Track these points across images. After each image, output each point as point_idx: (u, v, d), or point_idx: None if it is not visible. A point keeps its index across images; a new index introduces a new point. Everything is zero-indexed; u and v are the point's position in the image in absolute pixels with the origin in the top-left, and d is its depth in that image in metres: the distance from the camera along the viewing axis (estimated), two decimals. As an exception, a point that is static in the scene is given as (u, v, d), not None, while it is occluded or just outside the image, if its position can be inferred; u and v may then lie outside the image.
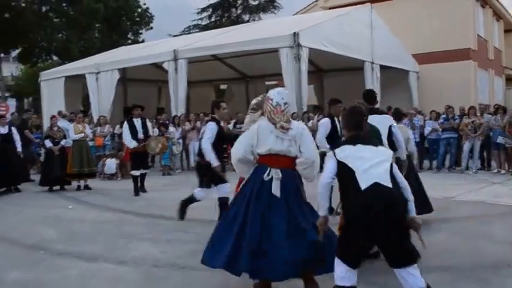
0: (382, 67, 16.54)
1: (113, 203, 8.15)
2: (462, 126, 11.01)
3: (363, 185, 3.04)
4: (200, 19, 40.73)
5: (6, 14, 22.77)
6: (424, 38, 18.24)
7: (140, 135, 8.67)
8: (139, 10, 30.62)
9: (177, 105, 14.85)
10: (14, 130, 9.47)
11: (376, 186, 3.04)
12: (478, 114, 11.29)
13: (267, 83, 20.86)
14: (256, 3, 41.77)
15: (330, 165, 3.22)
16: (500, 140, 10.62)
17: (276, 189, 3.58)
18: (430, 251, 4.75)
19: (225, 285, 4.01)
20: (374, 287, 3.90)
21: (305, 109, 13.31)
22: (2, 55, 25.63)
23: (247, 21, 37.79)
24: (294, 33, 12.73)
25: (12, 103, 21.88)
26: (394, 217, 3.02)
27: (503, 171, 10.72)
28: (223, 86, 23.63)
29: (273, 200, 3.56)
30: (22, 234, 6.11)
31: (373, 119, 5.53)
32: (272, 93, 3.86)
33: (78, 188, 9.64)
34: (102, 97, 16.66)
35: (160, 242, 5.51)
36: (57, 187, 9.68)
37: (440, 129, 11.39)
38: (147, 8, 31.37)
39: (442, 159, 11.40)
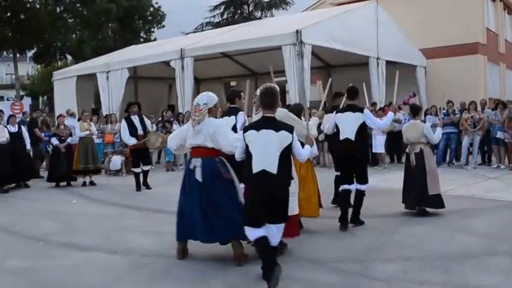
0: (389, 62, 16.62)
1: (114, 198, 8.50)
2: (462, 121, 11.06)
3: (254, 169, 3.83)
4: (213, 16, 41.04)
5: (22, 15, 23.42)
6: (431, 32, 18.17)
7: (140, 131, 8.96)
8: (152, 9, 31.10)
9: (184, 103, 15.19)
10: (23, 128, 9.90)
11: (263, 172, 3.80)
12: (479, 109, 11.32)
13: (276, 79, 21.12)
14: (267, 0, 41.90)
15: (240, 146, 4.09)
16: (499, 135, 10.65)
17: (198, 175, 4.47)
18: (407, 241, 5.11)
19: (204, 271, 4.30)
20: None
21: (308, 105, 13.47)
22: (18, 55, 26.33)
23: (259, 18, 37.98)
24: (297, 30, 12.89)
25: (27, 102, 22.54)
26: (275, 201, 3.85)
27: (502, 166, 10.76)
28: (233, 83, 23.95)
29: (195, 184, 4.49)
30: (25, 227, 6.48)
31: (348, 115, 5.89)
32: (198, 95, 4.69)
33: (84, 184, 10.01)
34: (112, 95, 17.06)
35: (153, 234, 5.80)
36: (64, 183, 10.07)
37: (441, 125, 11.42)
38: (159, 7, 31.80)
39: (442, 154, 11.47)
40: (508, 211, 6.48)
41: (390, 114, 6.44)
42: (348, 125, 5.89)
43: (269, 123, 3.93)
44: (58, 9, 25.95)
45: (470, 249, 4.78)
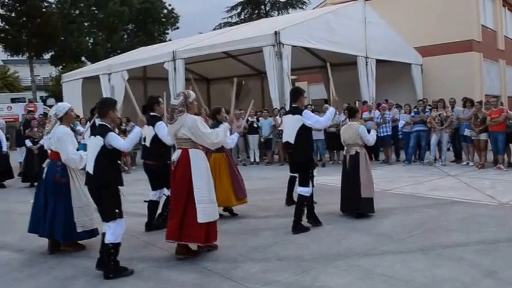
0: (381, 61, 16.66)
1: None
2: (430, 119, 11.11)
3: (86, 169, 4.51)
4: (230, 17, 41.61)
5: (38, 19, 24.64)
6: (426, 31, 18.09)
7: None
8: (165, 11, 31.95)
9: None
10: (-1, 131, 10.60)
11: (86, 174, 4.49)
12: (449, 106, 11.34)
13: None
14: (284, 0, 42.12)
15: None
16: (467, 132, 10.65)
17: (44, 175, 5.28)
18: (299, 241, 5.24)
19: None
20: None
21: (287, 105, 13.75)
22: (34, 58, 27.65)
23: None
24: (275, 32, 13.21)
25: (40, 103, 23.73)
26: (94, 194, 4.56)
27: (471, 163, 10.74)
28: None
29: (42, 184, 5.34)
30: None
31: (288, 118, 5.94)
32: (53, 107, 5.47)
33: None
34: (114, 96, 17.80)
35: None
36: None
37: (411, 123, 11.54)
38: (173, 9, 32.65)
39: (412, 152, 11.54)
40: (430, 210, 6.47)
41: (331, 109, 6.12)
42: (288, 128, 5.89)
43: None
44: (73, 13, 27.06)
45: (352, 250, 4.84)
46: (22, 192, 9.93)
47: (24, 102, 25.54)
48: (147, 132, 5.95)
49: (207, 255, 4.93)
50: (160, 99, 6.09)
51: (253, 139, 13.55)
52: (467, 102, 10.96)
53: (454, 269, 4.18)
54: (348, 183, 6.40)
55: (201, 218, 4.68)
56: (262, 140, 13.37)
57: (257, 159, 13.52)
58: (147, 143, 6.01)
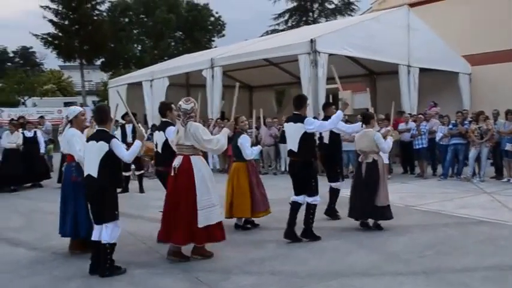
0: (425, 70, 16.02)
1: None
2: (469, 132, 10.50)
3: (85, 171, 4.68)
4: (277, 24, 41.60)
5: (89, 26, 25.87)
6: (475, 38, 17.20)
7: (129, 139, 9.70)
8: (212, 19, 32.51)
9: (213, 110, 15.92)
10: (38, 133, 11.09)
11: (88, 176, 4.60)
12: (491, 119, 10.68)
13: (326, 86, 21.18)
14: (332, 6, 41.67)
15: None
16: (508, 147, 9.98)
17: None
18: (301, 255, 5.12)
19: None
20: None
21: (322, 115, 13.48)
22: (85, 64, 28.97)
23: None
24: (311, 39, 13.04)
25: (89, 108, 24.74)
26: (96, 197, 4.58)
27: (512, 180, 10.07)
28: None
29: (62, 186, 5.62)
30: None
31: (290, 126, 5.90)
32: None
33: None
34: (156, 102, 18.28)
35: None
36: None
37: (448, 136, 10.96)
38: (219, 17, 33.17)
39: (448, 166, 10.94)
40: (450, 230, 6.08)
41: (339, 112, 5.84)
42: (290, 136, 5.80)
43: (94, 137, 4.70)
44: (122, 21, 28.16)
45: (351, 268, 4.63)
46: (55, 192, 10.31)
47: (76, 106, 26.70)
48: (158, 138, 5.98)
49: (203, 264, 4.89)
50: (172, 106, 6.12)
51: (284, 148, 13.39)
52: (509, 114, 10.26)
53: (453, 296, 3.88)
54: (363, 190, 6.18)
55: (201, 222, 4.80)
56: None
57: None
58: (159, 149, 6.00)
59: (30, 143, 10.83)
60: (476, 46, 17.28)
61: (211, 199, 4.91)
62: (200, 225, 4.80)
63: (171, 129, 5.70)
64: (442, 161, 11.32)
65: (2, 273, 4.87)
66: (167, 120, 5.91)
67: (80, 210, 5.21)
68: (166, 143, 5.81)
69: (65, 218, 5.40)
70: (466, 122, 10.82)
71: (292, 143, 5.69)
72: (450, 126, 11.01)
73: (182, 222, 4.81)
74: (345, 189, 7.01)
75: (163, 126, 5.84)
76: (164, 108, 5.98)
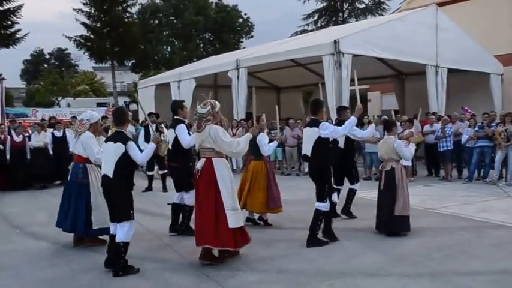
0: (454, 70, 15.69)
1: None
2: (496, 134, 10.26)
3: (102, 171, 4.83)
4: (306, 25, 41.41)
5: (120, 28, 26.53)
6: (507, 37, 16.72)
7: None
8: (240, 20, 32.73)
9: (238, 111, 16.09)
10: (67, 133, 11.45)
11: (104, 176, 4.77)
12: (518, 121, 10.38)
13: (351, 87, 21.03)
14: (362, 6, 41.19)
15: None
16: (536, 150, 9.70)
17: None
18: (311, 255, 5.18)
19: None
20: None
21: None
22: (116, 65, 29.68)
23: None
24: (335, 40, 12.98)
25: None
26: (111, 196, 4.77)
27: (540, 185, 9.77)
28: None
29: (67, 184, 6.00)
30: (20, 217, 7.75)
31: (306, 131, 5.90)
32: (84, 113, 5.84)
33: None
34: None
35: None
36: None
37: (474, 138, 10.72)
38: (248, 18, 33.36)
39: (474, 169, 10.70)
40: (465, 233, 6.00)
41: (352, 117, 5.83)
42: (306, 141, 5.85)
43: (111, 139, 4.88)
44: (152, 23, 28.73)
45: (358, 268, 4.67)
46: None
47: (108, 106, 27.57)
48: (170, 135, 6.21)
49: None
50: (184, 104, 6.31)
51: (307, 149, 13.40)
52: (537, 116, 9.96)
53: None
54: (382, 200, 6.14)
55: (232, 223, 4.82)
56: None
57: (310, 169, 13.31)
58: (170, 146, 6.14)
59: (60, 142, 11.20)
60: (507, 46, 16.78)
61: (235, 203, 4.96)
62: (231, 226, 4.79)
63: (181, 127, 5.93)
64: (468, 163, 11.08)
65: (25, 263, 5.17)
66: (178, 117, 6.08)
67: (79, 210, 5.61)
68: (176, 140, 6.01)
69: (65, 213, 5.77)
70: (493, 124, 10.56)
71: (307, 148, 5.74)
72: (476, 128, 10.78)
73: (209, 224, 4.82)
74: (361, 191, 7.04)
75: (174, 124, 6.03)
76: (175, 107, 6.18)
